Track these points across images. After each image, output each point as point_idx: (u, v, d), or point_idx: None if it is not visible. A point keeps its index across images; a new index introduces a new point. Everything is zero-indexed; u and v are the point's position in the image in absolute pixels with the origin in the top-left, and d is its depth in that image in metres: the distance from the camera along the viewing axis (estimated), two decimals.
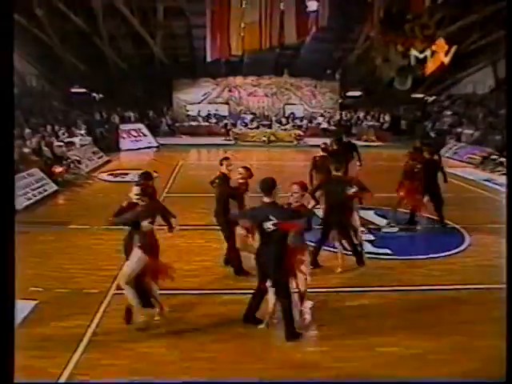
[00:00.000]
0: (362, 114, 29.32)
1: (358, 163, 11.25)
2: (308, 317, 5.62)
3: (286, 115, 29.19)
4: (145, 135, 23.16)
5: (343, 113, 29.90)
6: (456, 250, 8.38)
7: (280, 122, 27.93)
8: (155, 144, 23.13)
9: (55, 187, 12.80)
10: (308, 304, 5.67)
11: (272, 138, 25.19)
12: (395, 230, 9.58)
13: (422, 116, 28.66)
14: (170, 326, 5.54)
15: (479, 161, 18.52)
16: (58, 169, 13.53)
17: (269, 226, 5.10)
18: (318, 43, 25.77)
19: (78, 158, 15.70)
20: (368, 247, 8.42)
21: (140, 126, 23.72)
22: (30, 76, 26.92)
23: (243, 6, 16.60)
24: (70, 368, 4.65)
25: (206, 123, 28.37)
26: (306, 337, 5.33)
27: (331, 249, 7.65)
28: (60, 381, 4.47)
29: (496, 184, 14.37)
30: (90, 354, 4.90)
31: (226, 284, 6.75)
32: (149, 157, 20.57)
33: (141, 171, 6.32)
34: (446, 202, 9.73)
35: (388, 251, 8.25)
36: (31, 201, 11.22)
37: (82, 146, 18.08)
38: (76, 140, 18.42)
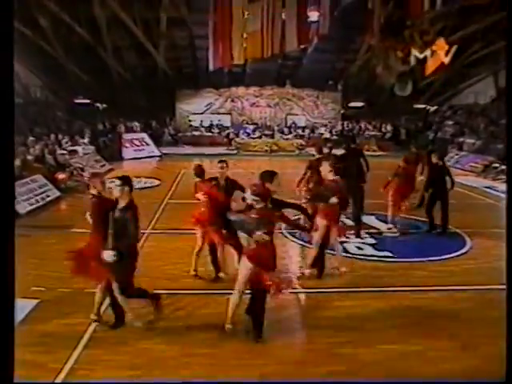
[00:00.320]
0: (363, 124, 29.45)
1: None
2: None
3: (288, 125, 29.36)
4: (147, 144, 23.29)
5: (345, 123, 30.01)
6: (457, 253, 8.39)
7: (282, 132, 28.09)
8: (158, 153, 23.25)
9: (58, 193, 12.89)
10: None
11: (274, 147, 25.34)
12: (396, 234, 9.62)
13: (423, 126, 28.76)
14: (171, 323, 5.60)
15: (481, 169, 18.57)
16: (61, 175, 13.62)
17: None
18: (319, 54, 25.97)
19: (80, 166, 15.80)
20: (369, 250, 8.50)
21: (143, 135, 23.89)
22: (35, 87, 27.15)
23: (245, 16, 16.71)
24: (71, 363, 4.67)
25: (209, 133, 28.53)
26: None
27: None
28: (61, 376, 4.48)
29: (498, 191, 14.39)
30: (91, 350, 4.94)
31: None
32: (151, 165, 20.68)
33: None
34: (449, 207, 9.75)
35: (389, 254, 8.28)
36: (34, 206, 11.29)
37: (84, 154, 18.22)
38: (79, 149, 18.56)
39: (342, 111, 30.70)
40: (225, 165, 7.05)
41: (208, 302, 6.16)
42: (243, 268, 5.18)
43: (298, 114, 30.33)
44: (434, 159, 9.59)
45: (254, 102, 30.07)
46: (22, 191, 11.32)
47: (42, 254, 7.95)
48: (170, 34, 23.81)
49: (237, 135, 27.38)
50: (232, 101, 29.96)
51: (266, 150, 25.08)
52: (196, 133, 28.42)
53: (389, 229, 9.80)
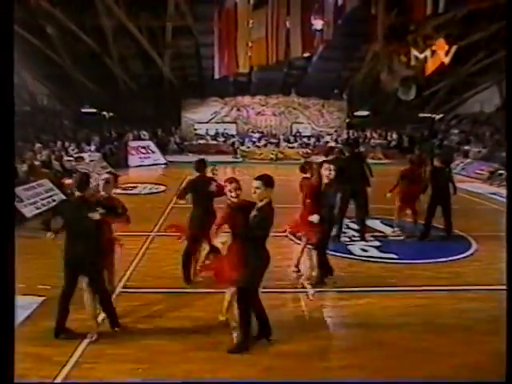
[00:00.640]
0: (369, 133, 29.50)
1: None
2: None
3: (294, 134, 29.45)
4: (153, 152, 23.41)
5: (350, 131, 30.06)
6: (462, 255, 8.40)
7: (288, 141, 28.18)
8: (163, 161, 23.35)
9: (64, 198, 12.93)
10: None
11: (280, 155, 25.42)
12: (401, 237, 9.61)
13: (429, 134, 28.78)
14: (174, 320, 5.63)
15: (486, 176, 18.57)
16: (68, 180, 13.67)
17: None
18: (324, 62, 26.12)
19: (87, 172, 15.85)
20: (374, 252, 8.51)
21: (149, 143, 24.03)
22: (42, 95, 27.44)
23: (250, 25, 16.83)
24: (76, 356, 4.72)
25: (214, 142, 28.64)
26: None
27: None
28: (67, 367, 4.52)
29: (503, 197, 14.33)
30: (96, 345, 4.98)
31: None
32: (157, 173, 20.76)
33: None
34: (454, 212, 9.72)
35: (393, 256, 8.27)
36: (40, 210, 11.36)
37: (90, 161, 18.33)
38: (85, 155, 18.68)
39: (347, 120, 30.77)
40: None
41: (209, 302, 6.17)
42: None
43: (304, 123, 30.43)
44: (437, 163, 9.58)
45: (259, 110, 30.21)
46: (28, 195, 11.42)
47: (48, 254, 7.97)
48: (175, 43, 24.04)
49: (242, 144, 27.48)
50: (237, 110, 30.11)
51: (272, 159, 25.18)
52: (201, 141, 28.54)
53: (393, 232, 9.80)
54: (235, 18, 16.67)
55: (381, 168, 22.03)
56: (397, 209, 9.73)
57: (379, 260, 8.07)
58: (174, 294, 6.41)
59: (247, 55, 17.16)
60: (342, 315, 5.96)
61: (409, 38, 9.71)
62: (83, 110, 27.51)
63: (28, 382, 4.09)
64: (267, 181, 4.84)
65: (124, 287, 6.59)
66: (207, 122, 29.89)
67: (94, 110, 27.51)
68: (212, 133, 29.32)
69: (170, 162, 23.34)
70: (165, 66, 25.75)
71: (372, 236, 9.58)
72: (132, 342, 5.05)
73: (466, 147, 24.03)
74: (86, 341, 5.01)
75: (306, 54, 24.02)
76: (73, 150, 18.61)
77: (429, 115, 30.05)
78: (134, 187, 15.59)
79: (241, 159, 25.11)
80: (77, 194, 5.04)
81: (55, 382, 4.27)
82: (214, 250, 6.02)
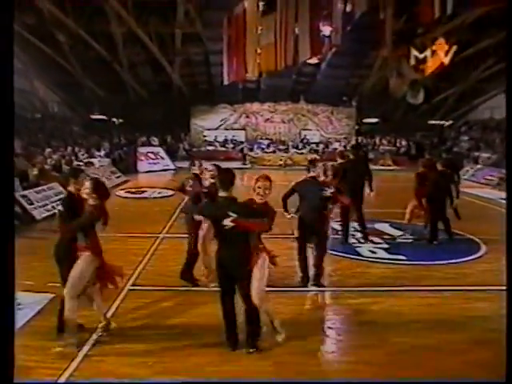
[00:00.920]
0: (378, 139, 29.49)
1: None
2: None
3: (302, 140, 29.50)
4: (162, 158, 23.54)
5: (359, 138, 30.06)
6: (471, 257, 8.35)
7: (297, 147, 28.22)
8: (172, 167, 23.45)
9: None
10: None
11: (288, 161, 25.49)
12: (409, 240, 9.58)
13: (438, 141, 28.71)
14: (181, 317, 5.68)
15: (496, 182, 18.46)
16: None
17: (227, 223, 4.50)
18: (333, 69, 26.22)
19: (96, 176, 15.99)
20: (382, 254, 8.49)
21: (158, 149, 24.19)
22: (53, 103, 27.75)
23: (259, 31, 16.92)
24: (85, 350, 4.76)
25: (223, 148, 28.74)
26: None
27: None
28: (76, 360, 4.58)
29: None
30: (105, 339, 5.03)
31: None
32: (166, 178, 20.84)
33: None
34: (463, 216, 9.68)
35: (402, 257, 8.25)
36: (50, 212, 11.44)
37: (100, 166, 18.47)
38: (95, 161, 18.84)
39: (356, 127, 30.79)
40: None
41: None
42: None
43: (312, 130, 30.48)
44: (440, 166, 9.52)
45: (268, 117, 30.32)
46: (38, 198, 11.54)
47: None
48: (185, 50, 24.23)
49: (251, 150, 27.57)
50: (246, 116, 30.24)
51: (280, 165, 25.24)
52: (210, 148, 28.65)
53: (402, 235, 9.75)
54: (244, 24, 16.77)
55: (390, 174, 22.27)
56: (409, 211, 9.66)
57: (387, 261, 8.06)
58: (182, 291, 6.47)
59: (256, 62, 17.24)
60: (350, 313, 5.96)
61: (417, 42, 9.75)
62: (93, 117, 27.79)
63: (28, 381, 4.07)
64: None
65: (133, 285, 6.68)
66: (216, 129, 30.04)
67: (104, 117, 27.79)
68: (221, 139, 29.45)
69: (179, 167, 23.42)
70: (174, 73, 25.94)
71: (381, 238, 9.56)
72: (140, 336, 5.09)
73: (476, 153, 23.96)
74: (95, 335, 5.05)
75: (315, 61, 24.17)
76: (82, 155, 18.77)
77: (438, 122, 30.00)
78: (143, 191, 15.71)
79: (249, 165, 25.17)
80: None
81: (55, 381, 4.25)
82: None
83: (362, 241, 9.31)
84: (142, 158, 22.70)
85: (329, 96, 29.29)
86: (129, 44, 23.14)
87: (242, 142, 29.17)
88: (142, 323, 5.48)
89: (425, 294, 6.58)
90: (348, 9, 13.91)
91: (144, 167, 22.36)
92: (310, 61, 23.22)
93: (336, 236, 9.11)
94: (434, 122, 30.03)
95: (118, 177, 18.51)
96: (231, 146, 28.91)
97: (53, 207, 11.71)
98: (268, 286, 4.90)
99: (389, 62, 11.59)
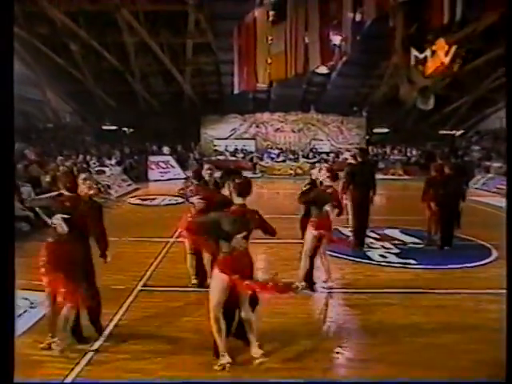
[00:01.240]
0: (388, 149, 29.46)
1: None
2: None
3: (312, 149, 29.54)
4: (173, 167, 23.66)
5: (370, 148, 30.01)
6: (483, 262, 8.32)
7: (307, 157, 28.24)
8: (183, 175, 23.49)
9: None
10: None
11: (298, 171, 25.51)
12: (420, 245, 9.55)
13: (450, 151, 28.61)
14: (190, 317, 5.72)
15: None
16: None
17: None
18: (343, 79, 26.26)
19: (108, 183, 16.17)
20: (393, 258, 8.49)
21: (168, 158, 24.30)
22: (64, 113, 28.05)
23: (269, 41, 17.03)
24: (97, 345, 4.87)
25: (233, 158, 28.82)
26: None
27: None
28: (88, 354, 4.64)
29: None
30: (115, 337, 5.09)
31: None
32: (177, 186, 20.90)
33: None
34: (475, 224, 9.67)
35: (412, 261, 8.22)
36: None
37: (111, 174, 18.63)
38: (106, 169, 19.00)
39: (366, 137, 30.77)
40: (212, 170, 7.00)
41: None
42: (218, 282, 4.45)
43: (323, 140, 30.47)
44: (447, 170, 9.49)
45: (278, 127, 30.38)
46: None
47: None
48: (195, 60, 24.38)
49: (261, 159, 27.65)
50: (257, 126, 30.31)
51: (291, 174, 25.29)
52: (220, 157, 28.75)
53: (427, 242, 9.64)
54: (254, 33, 16.89)
55: (400, 183, 22.34)
56: (429, 218, 9.53)
57: (398, 265, 8.04)
58: (191, 292, 6.56)
59: (266, 71, 17.34)
60: (361, 314, 5.96)
61: (427, 47, 9.76)
62: (104, 127, 28.07)
63: (28, 381, 4.09)
64: None
65: (144, 285, 6.83)
66: (226, 139, 30.15)
67: (115, 127, 28.05)
68: (231, 149, 29.52)
69: (189, 176, 23.53)
70: (185, 83, 26.13)
71: (391, 244, 9.55)
72: (150, 334, 5.15)
73: (487, 163, 23.86)
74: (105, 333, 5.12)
75: (325, 71, 24.25)
76: (94, 163, 18.94)
77: (449, 132, 29.92)
78: (154, 199, 15.85)
79: (259, 174, 25.25)
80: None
81: (56, 382, 4.27)
82: None
83: (376, 246, 9.30)
84: (153, 166, 22.84)
85: (339, 106, 29.32)
86: (140, 54, 23.36)
87: (251, 152, 29.23)
88: (152, 321, 5.52)
89: (436, 296, 6.58)
90: (357, 18, 14.00)
91: (155, 176, 22.49)
92: (320, 70, 23.36)
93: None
94: (445, 131, 29.94)
95: (128, 185, 18.66)
96: (241, 155, 28.98)
97: None
98: None
99: (399, 69, 11.58)
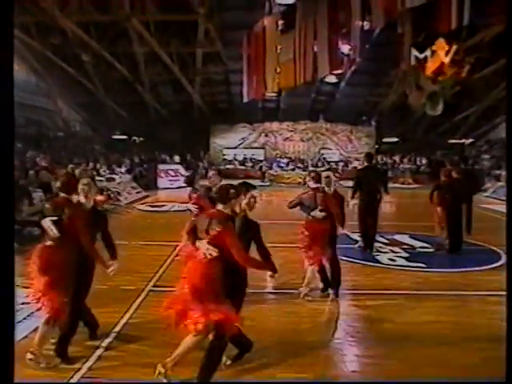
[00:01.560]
0: (398, 158, 29.42)
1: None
2: None
3: (321, 158, 29.59)
4: (182, 175, 23.75)
5: (379, 157, 29.97)
6: (492, 266, 8.30)
7: (316, 166, 28.25)
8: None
9: None
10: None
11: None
12: (430, 250, 9.54)
13: (459, 159, 28.49)
14: None
15: None
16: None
17: None
18: (352, 88, 26.37)
19: (118, 190, 16.30)
20: (402, 261, 8.51)
21: (178, 166, 24.43)
22: (75, 122, 28.35)
23: (278, 50, 17.14)
24: (107, 342, 4.94)
25: (242, 167, 28.92)
26: None
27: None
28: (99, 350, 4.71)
29: None
30: (124, 336, 5.15)
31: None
32: (186, 194, 21.02)
33: None
34: (485, 230, 9.66)
35: (422, 265, 8.22)
36: None
37: (121, 182, 18.77)
38: (116, 177, 19.16)
39: (376, 146, 30.76)
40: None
41: None
42: None
43: (332, 149, 30.51)
44: (454, 174, 9.47)
45: (287, 136, 30.50)
46: None
47: None
48: (205, 70, 24.56)
49: (270, 168, 27.74)
50: (266, 135, 30.45)
51: (299, 182, 25.27)
52: (230, 166, 28.85)
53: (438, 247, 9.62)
54: (264, 42, 17.02)
55: (410, 192, 22.36)
56: (437, 222, 9.53)
57: (407, 268, 8.04)
58: None
59: (275, 80, 17.44)
60: (370, 313, 5.99)
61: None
62: (114, 137, 28.32)
63: (28, 381, 4.09)
64: None
65: (154, 286, 6.97)
66: (235, 148, 30.30)
67: (125, 137, 28.28)
68: (240, 158, 29.64)
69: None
70: (195, 93, 26.32)
71: (401, 248, 9.56)
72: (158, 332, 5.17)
73: (497, 172, 23.77)
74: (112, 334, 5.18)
75: (334, 80, 24.36)
76: (104, 171, 19.10)
77: (459, 141, 29.84)
78: (163, 205, 16.00)
79: (268, 183, 25.31)
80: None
81: (56, 382, 4.28)
82: None
83: (385, 250, 9.32)
84: (162, 174, 22.99)
85: (348, 115, 29.40)
86: (150, 64, 23.57)
87: (260, 161, 29.33)
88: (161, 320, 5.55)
89: (445, 297, 6.58)
90: (366, 26, 14.08)
91: (164, 184, 22.63)
92: (329, 79, 23.48)
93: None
94: (454, 140, 29.87)
95: (138, 192, 18.80)
96: (250, 164, 29.07)
97: None
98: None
99: (407, 75, 11.64)
